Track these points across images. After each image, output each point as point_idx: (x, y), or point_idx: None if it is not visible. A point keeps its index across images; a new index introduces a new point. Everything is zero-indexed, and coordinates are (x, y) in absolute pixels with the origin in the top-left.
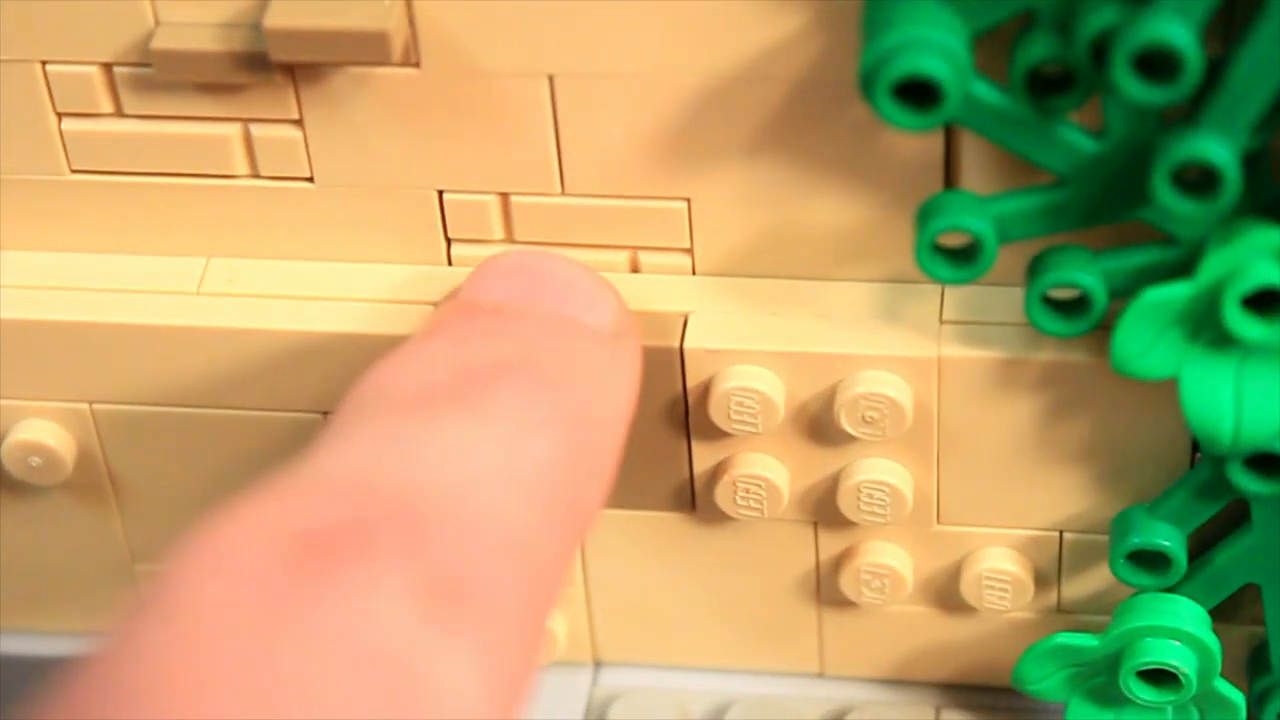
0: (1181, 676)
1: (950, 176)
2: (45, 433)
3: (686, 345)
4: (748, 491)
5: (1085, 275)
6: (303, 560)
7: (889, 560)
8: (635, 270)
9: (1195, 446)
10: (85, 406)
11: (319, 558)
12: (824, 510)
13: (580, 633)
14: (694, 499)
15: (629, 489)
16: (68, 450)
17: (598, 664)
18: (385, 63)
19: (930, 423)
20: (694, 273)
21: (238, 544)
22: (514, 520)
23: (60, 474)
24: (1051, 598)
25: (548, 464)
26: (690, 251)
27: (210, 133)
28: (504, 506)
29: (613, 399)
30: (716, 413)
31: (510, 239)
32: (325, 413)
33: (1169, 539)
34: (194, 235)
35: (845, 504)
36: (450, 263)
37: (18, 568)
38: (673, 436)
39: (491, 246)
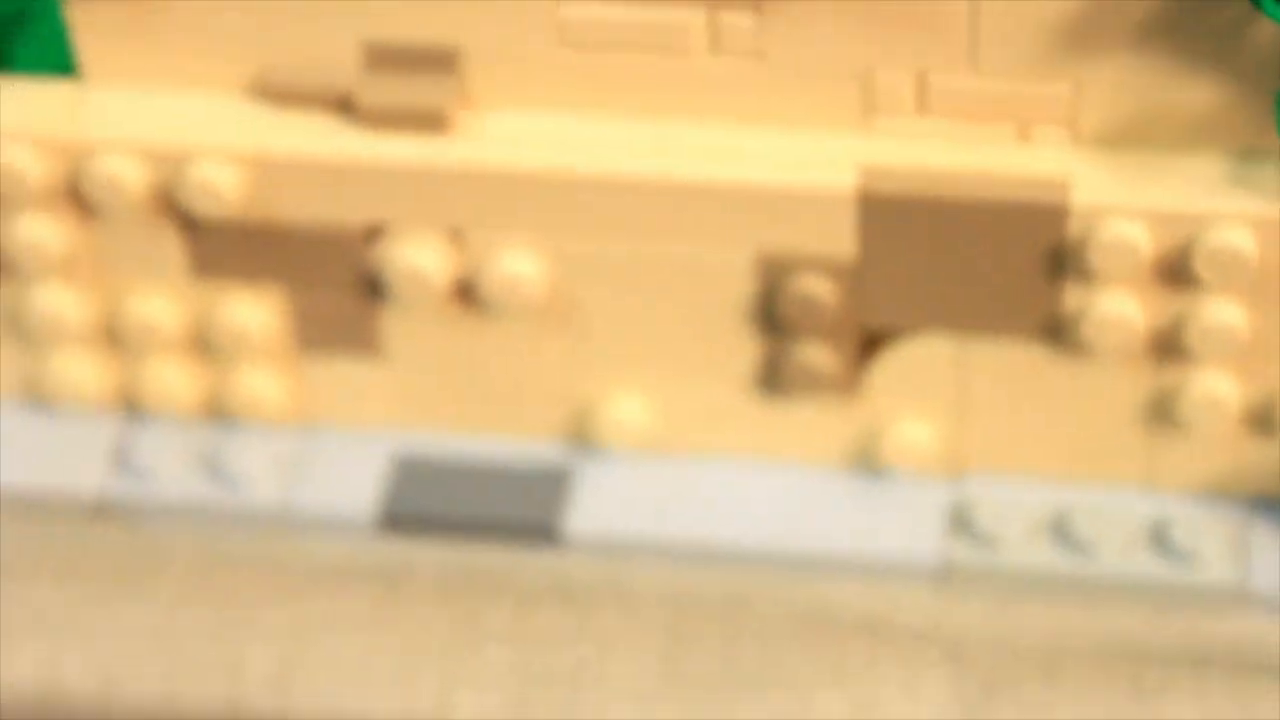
0: None
1: None
2: (520, 264)
3: (1071, 200)
4: (1108, 328)
5: None
6: None
7: (1221, 390)
8: (1025, 139)
9: None
10: (555, 244)
11: None
12: (1172, 347)
13: (946, 446)
14: (1059, 332)
15: (1007, 319)
16: (539, 281)
17: (958, 476)
18: None
19: (1273, 274)
20: (1076, 144)
21: None
22: None
23: (530, 303)
24: None
25: None
26: (1074, 124)
27: (678, 14)
28: None
29: None
30: (1091, 259)
31: (922, 113)
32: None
33: None
34: (656, 102)
35: (1192, 342)
36: (871, 134)
37: (480, 381)
38: (1050, 280)
39: (906, 119)
